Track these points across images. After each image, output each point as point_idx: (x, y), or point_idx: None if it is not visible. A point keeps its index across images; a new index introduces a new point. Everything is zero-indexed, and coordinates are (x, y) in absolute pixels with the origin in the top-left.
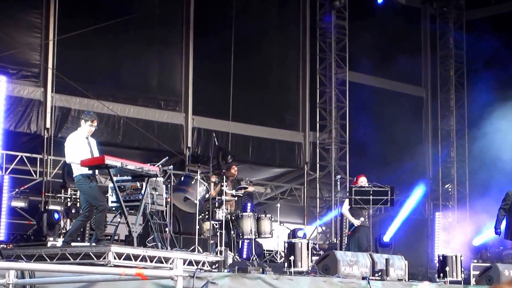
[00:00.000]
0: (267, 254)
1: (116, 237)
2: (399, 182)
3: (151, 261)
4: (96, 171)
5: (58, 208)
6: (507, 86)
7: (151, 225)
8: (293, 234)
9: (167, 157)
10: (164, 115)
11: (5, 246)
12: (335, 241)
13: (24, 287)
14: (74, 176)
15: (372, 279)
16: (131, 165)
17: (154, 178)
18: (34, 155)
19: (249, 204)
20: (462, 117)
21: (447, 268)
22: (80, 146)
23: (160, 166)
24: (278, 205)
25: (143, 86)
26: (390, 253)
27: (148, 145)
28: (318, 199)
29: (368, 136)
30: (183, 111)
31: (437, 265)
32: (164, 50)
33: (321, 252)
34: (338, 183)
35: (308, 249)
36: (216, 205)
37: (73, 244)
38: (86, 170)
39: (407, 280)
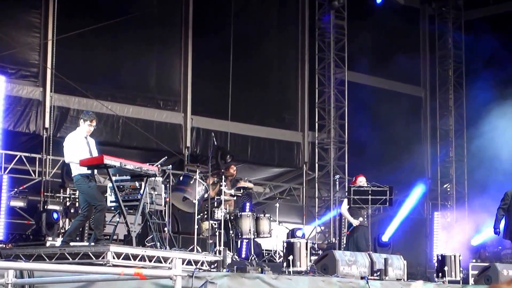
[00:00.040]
0: (266, 254)
1: (115, 237)
2: (397, 182)
3: (150, 261)
4: (95, 171)
5: (57, 207)
6: (505, 86)
7: (150, 224)
8: (292, 233)
9: (166, 157)
10: (163, 114)
11: (4, 245)
12: (334, 241)
13: (23, 286)
14: (73, 175)
15: (371, 279)
16: (130, 165)
17: (153, 178)
18: (33, 155)
19: (248, 204)
20: (460, 117)
21: (445, 268)
22: (79, 145)
23: (159, 165)
24: (277, 204)
25: (142, 85)
26: (389, 253)
27: (147, 144)
28: (317, 199)
29: (367, 136)
30: (182, 110)
31: (436, 264)
32: (163, 50)
33: (320, 252)
34: (337, 182)
35: (307, 249)
36: (215, 205)
37: (72, 243)
38: (85, 170)
39: (406, 279)
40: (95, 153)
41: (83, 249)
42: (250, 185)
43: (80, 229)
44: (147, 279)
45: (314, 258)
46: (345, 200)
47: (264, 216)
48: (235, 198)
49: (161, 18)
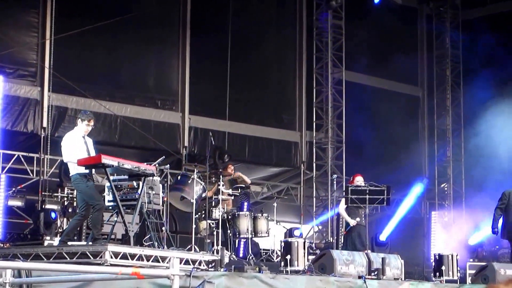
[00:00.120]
0: (264, 253)
1: (112, 236)
2: (395, 181)
3: (148, 260)
4: (93, 170)
5: (54, 207)
6: (503, 86)
7: (147, 224)
8: (289, 233)
9: (164, 156)
10: (161, 114)
11: (2, 245)
12: (331, 240)
13: (21, 286)
14: (70, 175)
15: (368, 278)
16: (128, 164)
17: (151, 177)
18: (31, 154)
19: (245, 203)
20: (458, 117)
21: (443, 267)
22: (76, 145)
23: (157, 165)
24: (275, 204)
25: (140, 85)
26: (386, 252)
27: (145, 144)
28: (314, 198)
29: (365, 136)
30: (179, 110)
31: (433, 264)
32: (161, 49)
33: (318, 251)
34: (335, 182)
35: (304, 248)
36: (213, 204)
37: (69, 243)
38: (82, 169)
39: (403, 279)
40: (93, 153)
41: (81, 248)
42: (247, 180)
43: (78, 229)
44: (145, 279)
45: (311, 257)
46: (343, 200)
47: (262, 215)
48: (233, 197)
49: (159, 18)
